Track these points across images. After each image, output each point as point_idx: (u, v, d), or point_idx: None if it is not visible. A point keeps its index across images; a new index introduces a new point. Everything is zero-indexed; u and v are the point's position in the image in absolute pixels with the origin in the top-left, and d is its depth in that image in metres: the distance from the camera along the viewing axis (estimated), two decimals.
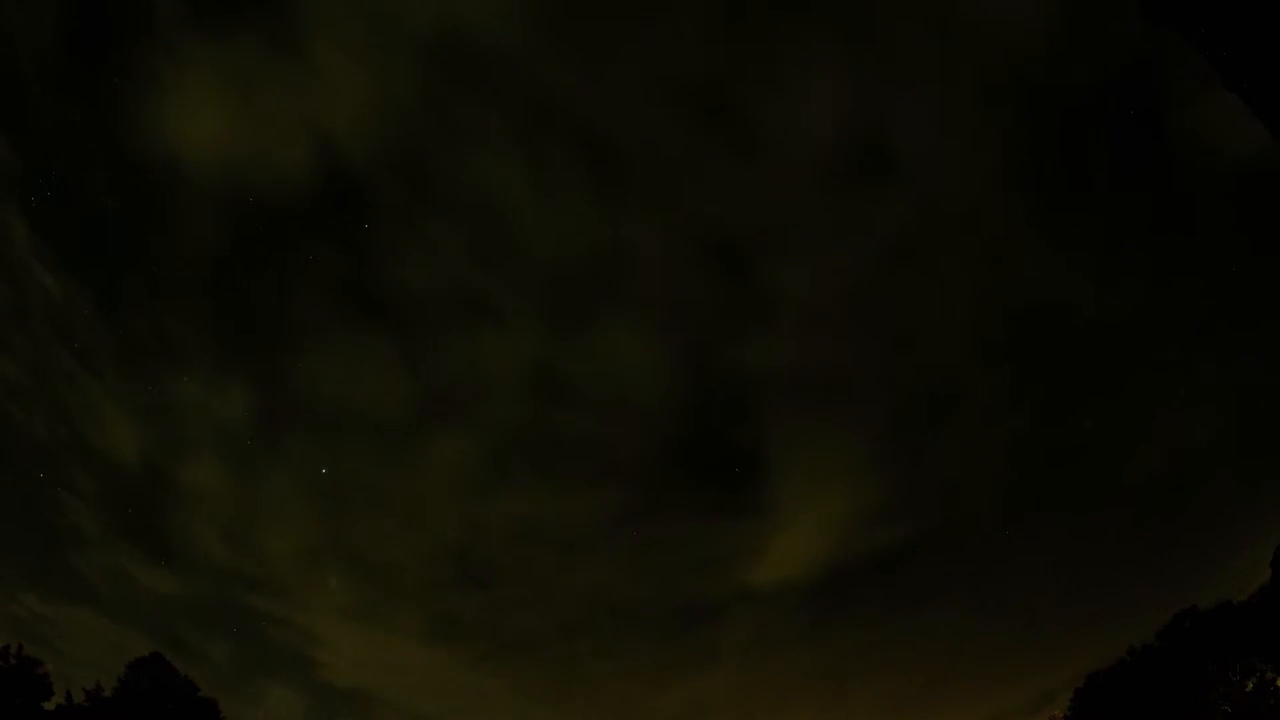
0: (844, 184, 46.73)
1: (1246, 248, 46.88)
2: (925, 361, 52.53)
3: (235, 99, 48.41)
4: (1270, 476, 57.38)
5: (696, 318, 51.00)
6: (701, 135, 46.14)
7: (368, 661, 61.99)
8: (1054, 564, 60.90)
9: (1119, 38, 42.73)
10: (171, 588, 59.46)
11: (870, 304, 51.08)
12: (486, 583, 61.64)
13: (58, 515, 56.85)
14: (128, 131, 48.96)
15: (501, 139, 46.73)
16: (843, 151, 45.72)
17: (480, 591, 61.50)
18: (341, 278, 52.78)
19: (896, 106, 44.18)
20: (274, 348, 56.08)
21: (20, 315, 51.72)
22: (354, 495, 59.05)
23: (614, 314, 52.52)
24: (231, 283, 53.94)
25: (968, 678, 63.52)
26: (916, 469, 56.30)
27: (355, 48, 45.35)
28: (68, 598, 57.68)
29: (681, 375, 54.59)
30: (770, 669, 62.53)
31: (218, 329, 55.84)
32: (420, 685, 63.02)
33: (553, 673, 63.14)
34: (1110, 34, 42.50)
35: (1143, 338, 50.26)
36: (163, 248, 53.06)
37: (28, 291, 51.91)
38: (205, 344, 55.72)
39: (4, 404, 52.85)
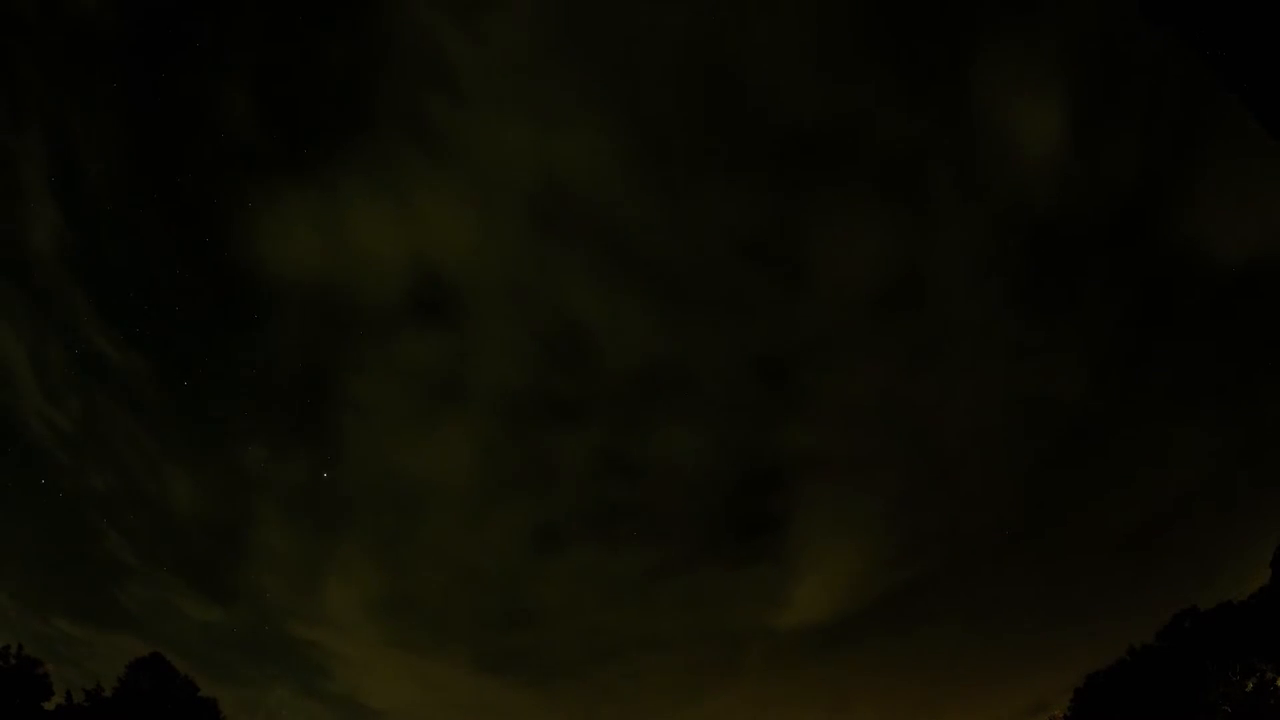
0: (873, 308, 57.67)
1: (1233, 337, 54.57)
2: (935, 443, 61.76)
3: (329, 222, 56.17)
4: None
5: (741, 413, 60.12)
6: (752, 267, 56.81)
7: (409, 686, 68.84)
8: (1055, 573, 65.89)
9: (1118, 168, 51.21)
10: (217, 617, 63.72)
11: (891, 399, 60.58)
12: (532, 622, 68.85)
13: (101, 550, 61.49)
14: (214, 235, 55.92)
15: (585, 268, 56.65)
16: (873, 281, 57.20)
17: (526, 629, 68.59)
18: (428, 374, 60.95)
19: (921, 244, 54.64)
20: (345, 425, 62.87)
21: (74, 377, 57.96)
22: (416, 551, 66.42)
23: (671, 411, 62.89)
24: (312, 371, 61.06)
25: (967, 682, 67.62)
26: (926, 523, 64.87)
27: (458, 195, 54.44)
28: (106, 625, 61.04)
29: (724, 455, 64.51)
30: (783, 685, 68.98)
31: (290, 406, 62.57)
32: (459, 706, 69.55)
33: (586, 693, 69.53)
34: (1110, 168, 51.25)
35: (1132, 412, 58.24)
36: (244, 338, 60.05)
37: (85, 358, 57.81)
38: (274, 418, 62.41)
39: (53, 451, 58.12)
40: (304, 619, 65.98)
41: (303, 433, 63.73)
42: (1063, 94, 49.97)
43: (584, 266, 56.27)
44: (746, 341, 58.35)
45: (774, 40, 47.67)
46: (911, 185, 52.71)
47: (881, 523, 64.51)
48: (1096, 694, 42.33)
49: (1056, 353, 56.59)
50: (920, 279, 54.43)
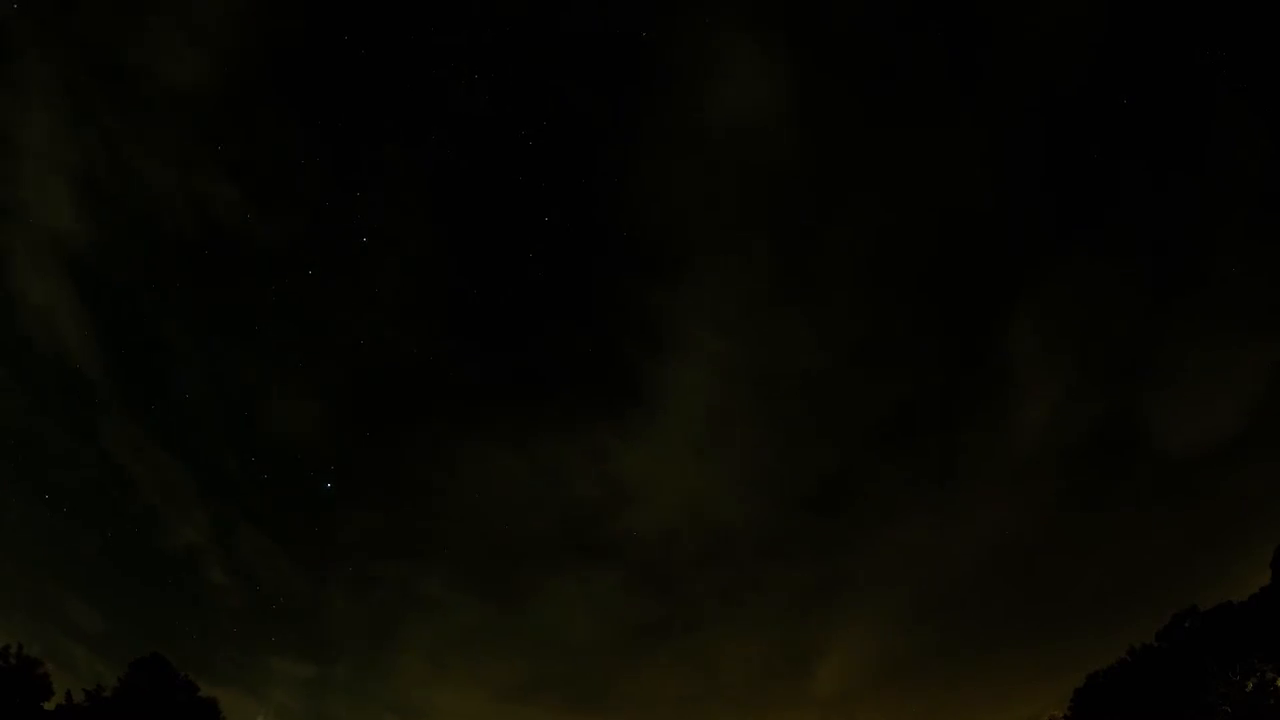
0: (908, 501, 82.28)
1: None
2: (944, 562, 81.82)
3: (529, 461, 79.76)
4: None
5: (807, 557, 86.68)
6: (832, 485, 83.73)
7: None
8: (1056, 585, 77.46)
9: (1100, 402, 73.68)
10: (311, 674, 73.50)
11: (912, 541, 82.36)
12: (625, 678, 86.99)
13: (202, 614, 71.08)
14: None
15: (725, 480, 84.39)
16: (913, 481, 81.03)
17: (622, 683, 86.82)
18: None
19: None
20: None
21: (205, 494, 71.17)
22: (536, 645, 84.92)
23: (765, 560, 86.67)
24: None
25: (968, 692, 76.10)
26: (933, 602, 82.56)
27: (640, 451, 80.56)
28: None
29: (790, 574, 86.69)
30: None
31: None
32: None
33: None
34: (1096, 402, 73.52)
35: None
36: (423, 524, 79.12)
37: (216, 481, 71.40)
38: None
39: (181, 552, 71.34)
40: (404, 675, 79.88)
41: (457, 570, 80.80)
42: (1067, 361, 72.73)
43: (724, 479, 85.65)
44: (821, 524, 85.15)
45: (859, 360, 77.68)
46: (938, 441, 79.44)
47: (897, 610, 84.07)
48: (1097, 694, 42.40)
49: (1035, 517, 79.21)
50: (940, 483, 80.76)
